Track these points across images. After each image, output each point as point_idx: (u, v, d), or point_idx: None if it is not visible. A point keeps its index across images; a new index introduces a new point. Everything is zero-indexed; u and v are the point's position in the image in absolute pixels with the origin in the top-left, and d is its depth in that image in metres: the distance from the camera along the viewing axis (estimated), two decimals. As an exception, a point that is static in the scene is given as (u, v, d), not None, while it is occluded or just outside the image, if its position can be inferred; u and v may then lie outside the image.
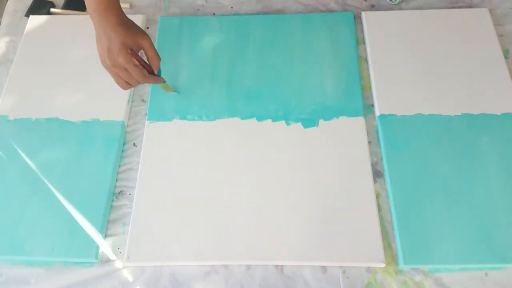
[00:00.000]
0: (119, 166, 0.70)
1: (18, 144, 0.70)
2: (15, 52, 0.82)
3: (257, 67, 0.76)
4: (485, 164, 0.65)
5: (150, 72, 0.64)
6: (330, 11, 0.84)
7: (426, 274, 0.59)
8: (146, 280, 0.61)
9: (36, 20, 0.84)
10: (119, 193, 0.68)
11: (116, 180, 0.68)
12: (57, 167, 0.67)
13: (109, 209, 0.66)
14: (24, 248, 0.62)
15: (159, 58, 0.64)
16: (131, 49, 0.60)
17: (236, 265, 0.61)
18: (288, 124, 0.70)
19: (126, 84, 0.63)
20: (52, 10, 0.87)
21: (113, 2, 0.60)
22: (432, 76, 0.73)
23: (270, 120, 0.71)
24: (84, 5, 0.86)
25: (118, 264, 0.62)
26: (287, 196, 0.64)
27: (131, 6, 0.86)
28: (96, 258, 0.61)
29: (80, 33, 0.82)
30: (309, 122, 0.70)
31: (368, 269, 0.60)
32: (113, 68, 0.60)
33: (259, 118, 0.71)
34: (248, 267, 0.61)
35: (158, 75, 0.66)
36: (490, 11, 0.80)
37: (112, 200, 0.67)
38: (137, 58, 0.62)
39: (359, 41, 0.80)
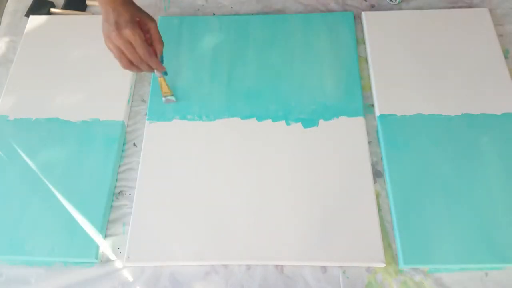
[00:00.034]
0: (119, 166, 0.70)
1: (18, 144, 0.70)
2: (15, 52, 0.82)
3: (257, 67, 0.76)
4: (485, 164, 0.65)
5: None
6: (330, 11, 0.84)
7: (426, 274, 0.59)
8: (146, 280, 0.61)
9: (36, 20, 0.84)
10: (119, 193, 0.68)
11: (116, 180, 0.69)
12: (57, 167, 0.67)
13: (109, 209, 0.66)
14: (24, 248, 0.62)
15: (163, 44, 0.65)
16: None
17: (236, 265, 0.61)
18: (288, 124, 0.70)
19: (128, 62, 0.62)
20: (52, 10, 0.87)
21: None
22: (432, 76, 0.73)
23: (270, 120, 0.71)
24: (84, 5, 0.87)
25: (118, 264, 0.62)
26: (287, 196, 0.64)
27: (131, 6, 0.86)
28: (96, 258, 0.61)
29: (80, 33, 0.82)
30: (309, 122, 0.70)
31: (368, 269, 0.60)
32: (118, 40, 0.59)
33: (259, 118, 0.71)
34: (248, 267, 0.61)
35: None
36: (490, 11, 0.80)
37: (112, 200, 0.67)
38: (145, 35, 0.61)
39: (359, 41, 0.80)
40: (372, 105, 0.73)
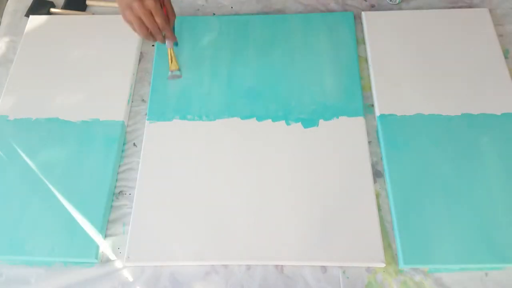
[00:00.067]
0: (119, 166, 0.70)
1: (18, 144, 0.70)
2: (15, 52, 0.82)
3: (257, 67, 0.76)
4: (485, 164, 0.65)
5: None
6: (330, 11, 0.84)
7: (426, 274, 0.59)
8: (146, 280, 0.61)
9: (36, 20, 0.84)
10: (119, 193, 0.68)
11: (116, 180, 0.68)
12: (57, 167, 0.67)
13: (109, 209, 0.66)
14: (24, 248, 0.62)
15: (175, 16, 0.70)
16: None
17: (236, 265, 0.61)
18: (288, 124, 0.70)
19: (147, 32, 0.66)
20: (52, 10, 0.87)
21: None
22: (432, 76, 0.73)
23: (270, 120, 0.71)
24: (84, 5, 0.87)
25: (118, 264, 0.62)
26: (287, 196, 0.64)
27: (131, 6, 0.86)
28: (96, 258, 0.61)
29: (80, 33, 0.82)
30: (309, 122, 0.70)
31: (368, 269, 0.60)
32: (141, 9, 0.63)
33: (259, 118, 0.71)
34: (248, 267, 0.61)
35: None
36: (490, 11, 0.80)
37: (112, 200, 0.67)
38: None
39: (359, 41, 0.80)
40: (372, 105, 0.73)
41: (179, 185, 0.66)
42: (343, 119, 0.70)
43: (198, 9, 0.86)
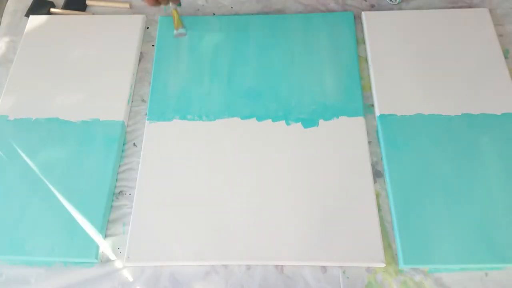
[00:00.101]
0: (119, 166, 0.70)
1: (18, 144, 0.70)
2: (15, 52, 0.82)
3: (257, 67, 0.76)
4: (485, 164, 0.65)
5: None
6: (330, 11, 0.84)
7: (426, 274, 0.59)
8: (146, 280, 0.61)
9: (36, 20, 0.84)
10: (119, 193, 0.68)
11: (116, 180, 0.69)
12: (57, 167, 0.67)
13: (109, 209, 0.66)
14: (24, 248, 0.62)
15: None
16: None
17: (236, 265, 0.61)
18: (288, 124, 0.70)
19: None
20: (52, 10, 0.87)
21: None
22: (432, 76, 0.73)
23: (270, 120, 0.71)
24: (84, 5, 0.87)
25: (118, 264, 0.62)
26: (287, 196, 0.64)
27: (131, 6, 0.86)
28: (96, 258, 0.61)
29: (80, 33, 0.82)
30: (309, 122, 0.70)
31: (368, 269, 0.60)
32: None
33: (259, 118, 0.71)
34: (248, 267, 0.61)
35: None
36: (490, 11, 0.80)
37: (112, 200, 0.67)
38: None
39: (359, 41, 0.80)
40: (372, 105, 0.73)
41: (179, 185, 0.66)
42: (343, 119, 0.70)
43: (198, 9, 0.86)
